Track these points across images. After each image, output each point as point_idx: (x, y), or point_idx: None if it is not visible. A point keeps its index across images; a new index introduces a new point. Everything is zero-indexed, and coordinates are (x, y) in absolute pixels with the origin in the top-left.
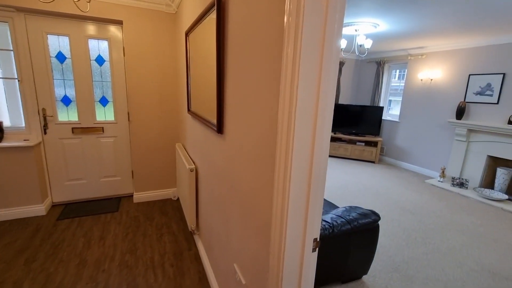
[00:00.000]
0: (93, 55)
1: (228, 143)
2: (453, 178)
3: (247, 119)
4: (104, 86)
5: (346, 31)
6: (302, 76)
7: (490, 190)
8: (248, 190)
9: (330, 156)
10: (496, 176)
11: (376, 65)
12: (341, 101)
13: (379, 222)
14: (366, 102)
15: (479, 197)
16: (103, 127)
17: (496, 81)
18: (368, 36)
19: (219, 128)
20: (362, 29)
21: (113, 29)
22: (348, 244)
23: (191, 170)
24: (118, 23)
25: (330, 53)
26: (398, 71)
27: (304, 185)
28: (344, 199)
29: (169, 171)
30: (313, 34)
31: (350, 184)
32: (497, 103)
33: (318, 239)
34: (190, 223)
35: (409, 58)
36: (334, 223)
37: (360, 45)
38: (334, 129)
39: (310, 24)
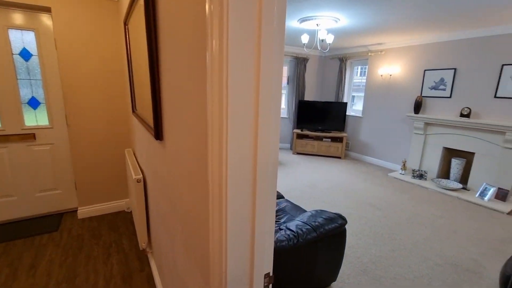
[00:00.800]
0: (17, 48)
1: (168, 152)
2: (413, 170)
3: (183, 124)
4: (34, 85)
5: (307, 25)
6: (233, 72)
7: (447, 180)
8: (187, 211)
9: (298, 153)
10: (451, 167)
11: (339, 61)
12: (306, 98)
13: (347, 225)
14: (331, 98)
15: (437, 187)
16: (34, 134)
17: (448, 76)
18: (329, 31)
19: (157, 133)
20: (324, 24)
21: (42, 18)
22: (315, 252)
23: (138, 181)
24: (46, 10)
25: (269, 44)
26: (360, 67)
27: (247, 206)
28: (313, 199)
29: (121, 180)
30: (244, 23)
31: (319, 182)
32: (450, 97)
33: (271, 274)
34: (141, 240)
35: (369, 54)
36: (299, 231)
37: (322, 40)
38: (301, 126)
39: (239, 11)
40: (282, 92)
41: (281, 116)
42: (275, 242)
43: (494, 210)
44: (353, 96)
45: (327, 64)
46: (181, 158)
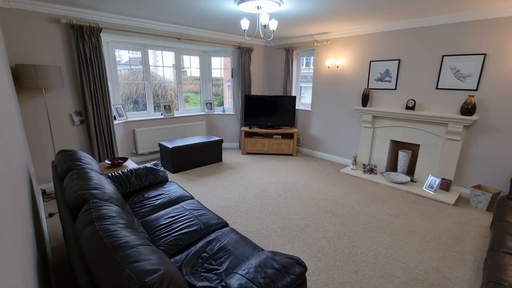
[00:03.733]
0: None
1: None
2: (364, 165)
3: None
4: None
5: (247, 8)
6: None
7: (395, 173)
8: None
9: (247, 153)
10: (398, 159)
11: (285, 52)
12: (254, 92)
13: (305, 241)
14: (279, 92)
15: (387, 181)
16: None
17: (393, 67)
18: (272, 15)
19: None
20: (265, 7)
21: None
22: None
23: None
24: None
25: None
26: (306, 58)
27: None
28: (264, 212)
29: None
30: None
31: (270, 187)
32: (395, 89)
33: None
34: None
35: (315, 44)
36: None
37: (265, 26)
38: (249, 123)
39: None
40: (227, 85)
41: (228, 113)
42: None
43: (441, 202)
44: (301, 87)
45: (273, 54)
46: None
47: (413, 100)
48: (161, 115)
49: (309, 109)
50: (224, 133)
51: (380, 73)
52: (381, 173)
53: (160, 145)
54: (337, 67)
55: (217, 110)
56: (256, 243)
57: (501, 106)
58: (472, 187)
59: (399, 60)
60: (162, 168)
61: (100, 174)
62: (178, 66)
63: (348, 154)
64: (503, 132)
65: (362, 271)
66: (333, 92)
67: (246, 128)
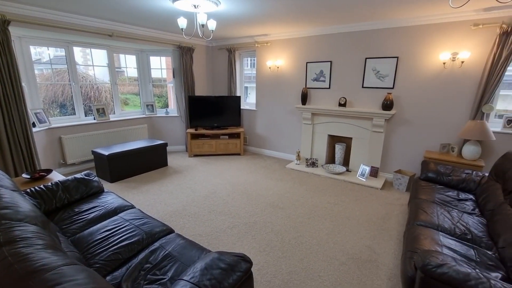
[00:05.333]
0: None
1: None
2: (306, 159)
3: None
4: None
5: (182, 6)
6: None
7: (333, 164)
8: None
9: (195, 155)
10: (336, 152)
11: (227, 52)
12: (198, 93)
13: (254, 237)
14: (224, 92)
15: (327, 173)
16: None
17: (326, 68)
18: (210, 15)
19: None
20: (202, 6)
21: None
22: None
23: None
24: None
25: None
26: (249, 59)
27: None
28: (213, 213)
29: None
30: None
31: (218, 187)
32: (329, 88)
33: None
34: None
35: (256, 45)
36: None
37: (203, 26)
38: (195, 125)
39: None
40: (169, 85)
41: (171, 115)
42: None
43: (371, 187)
44: (246, 87)
45: (216, 55)
46: None
47: (344, 98)
48: (94, 119)
49: (254, 108)
50: (168, 136)
51: (315, 73)
52: (322, 165)
53: (94, 152)
54: (278, 67)
55: (160, 112)
56: (205, 246)
57: (411, 101)
58: (394, 172)
59: (331, 61)
60: (96, 178)
61: (13, 190)
62: (111, 66)
63: (292, 150)
64: (414, 123)
65: (307, 258)
66: (275, 91)
67: (192, 130)
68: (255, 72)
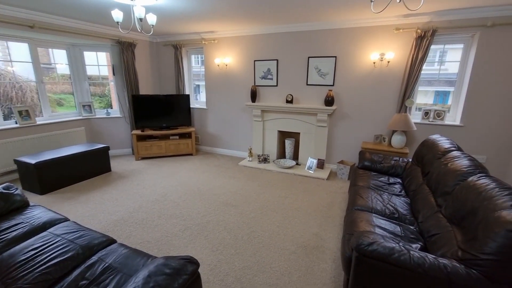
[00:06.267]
0: None
1: None
2: (258, 155)
3: None
4: None
5: None
6: None
7: (284, 159)
8: None
9: (142, 158)
10: (286, 147)
11: (173, 49)
12: (143, 91)
13: (207, 238)
14: (172, 91)
15: (278, 168)
16: None
17: (273, 66)
18: (149, 9)
19: None
20: None
21: None
22: None
23: None
24: None
25: None
26: (198, 56)
27: None
28: (164, 217)
29: None
30: None
31: (169, 190)
32: (277, 85)
33: None
34: None
35: (203, 42)
36: None
37: (141, 19)
38: (141, 126)
39: None
40: (110, 83)
41: (114, 115)
42: None
43: (318, 178)
44: (198, 86)
45: (161, 51)
46: None
47: (291, 95)
48: (16, 123)
49: (205, 107)
50: (111, 139)
51: (263, 71)
52: (273, 161)
53: (17, 161)
54: (226, 65)
55: (100, 113)
56: (154, 253)
57: (349, 97)
58: (337, 162)
59: (277, 60)
60: (18, 191)
61: None
62: (35, 61)
63: (244, 147)
64: (352, 117)
65: (260, 252)
66: (225, 89)
67: (138, 132)
68: (204, 69)
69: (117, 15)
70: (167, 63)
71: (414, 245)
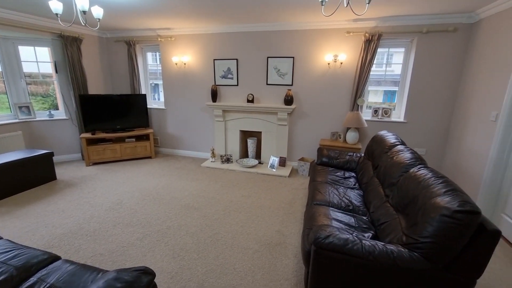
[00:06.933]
0: None
1: None
2: (221, 156)
3: None
4: None
5: None
6: None
7: (247, 158)
8: None
9: (95, 164)
10: (248, 146)
11: (126, 45)
12: (92, 91)
13: (167, 245)
14: (126, 90)
15: (241, 167)
16: None
17: (233, 65)
18: (95, 1)
19: None
20: None
21: None
22: None
23: None
24: None
25: None
26: (156, 54)
27: None
28: (119, 226)
29: None
30: None
31: (125, 197)
32: (237, 85)
33: None
34: None
35: (159, 39)
36: None
37: (84, 12)
38: (91, 128)
39: None
40: (54, 81)
41: (58, 117)
42: None
43: (280, 176)
44: (156, 85)
45: (113, 48)
46: None
47: (252, 94)
48: None
49: (163, 107)
50: (56, 143)
51: (223, 70)
52: (236, 160)
53: None
54: (185, 64)
55: (42, 115)
56: (107, 266)
57: (307, 96)
58: (298, 160)
59: (237, 59)
60: None
61: None
62: None
63: (207, 148)
64: (311, 116)
65: (223, 254)
66: (184, 89)
67: (88, 135)
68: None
69: (56, 6)
70: (119, 60)
71: (366, 234)
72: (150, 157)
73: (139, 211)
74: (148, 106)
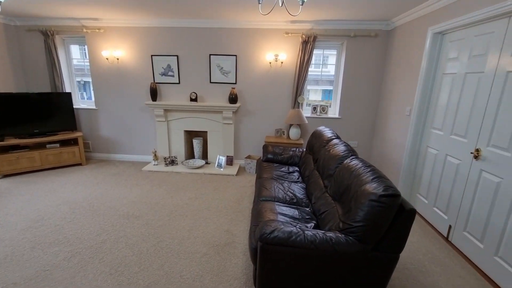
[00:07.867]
0: None
1: None
2: (165, 158)
3: None
4: None
5: None
6: None
7: (193, 159)
8: None
9: (7, 175)
10: (194, 146)
11: (42, 36)
12: None
13: (101, 269)
14: (45, 88)
15: (187, 169)
16: None
17: (173, 62)
18: None
19: None
20: None
21: None
22: None
23: None
24: None
25: None
26: (83, 47)
27: None
28: (39, 246)
29: None
30: None
31: (48, 212)
32: (179, 83)
33: None
34: None
35: (85, 31)
36: None
37: None
38: (0, 134)
39: None
40: None
41: None
42: None
43: (228, 175)
44: (86, 82)
45: (24, 38)
46: None
47: (195, 93)
48: None
49: (94, 107)
50: None
51: (163, 67)
52: (182, 162)
53: None
54: (118, 59)
55: None
56: None
57: (251, 94)
58: (245, 158)
59: (177, 56)
60: None
61: None
62: None
63: (148, 150)
64: (255, 113)
65: (168, 262)
66: (119, 86)
67: None
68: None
69: None
70: (34, 53)
71: (309, 225)
72: (80, 164)
73: (65, 227)
74: (74, 106)
